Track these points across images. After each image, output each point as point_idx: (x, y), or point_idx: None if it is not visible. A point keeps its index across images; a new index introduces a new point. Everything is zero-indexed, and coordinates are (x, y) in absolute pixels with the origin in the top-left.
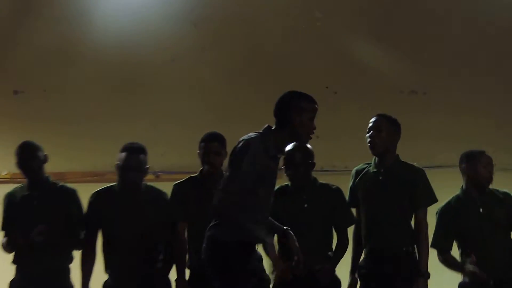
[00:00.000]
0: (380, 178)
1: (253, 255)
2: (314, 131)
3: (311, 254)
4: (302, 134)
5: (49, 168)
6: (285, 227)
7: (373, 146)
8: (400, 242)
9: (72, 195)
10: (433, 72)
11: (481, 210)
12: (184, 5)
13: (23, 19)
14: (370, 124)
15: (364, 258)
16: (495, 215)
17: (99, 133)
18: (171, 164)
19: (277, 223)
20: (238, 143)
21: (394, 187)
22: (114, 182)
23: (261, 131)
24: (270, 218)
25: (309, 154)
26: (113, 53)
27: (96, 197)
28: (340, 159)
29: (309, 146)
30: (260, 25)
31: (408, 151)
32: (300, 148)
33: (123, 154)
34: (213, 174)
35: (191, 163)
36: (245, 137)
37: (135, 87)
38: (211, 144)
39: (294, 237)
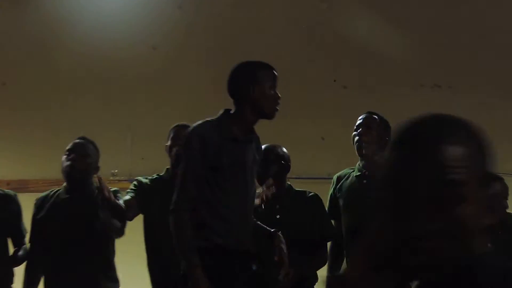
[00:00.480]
0: (365, 181)
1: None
2: (279, 101)
3: None
4: (265, 107)
5: (11, 176)
6: (273, 229)
7: (360, 146)
8: None
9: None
10: (460, 63)
11: None
12: None
13: None
14: (359, 121)
15: None
16: None
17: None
18: (153, 171)
19: (263, 225)
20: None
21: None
22: None
23: (218, 115)
24: (256, 221)
25: (282, 154)
26: (86, 42)
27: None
28: (351, 165)
29: (282, 147)
30: (257, 8)
31: None
32: (271, 148)
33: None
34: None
35: None
36: (193, 125)
37: (111, 84)
38: (183, 132)
39: (283, 240)
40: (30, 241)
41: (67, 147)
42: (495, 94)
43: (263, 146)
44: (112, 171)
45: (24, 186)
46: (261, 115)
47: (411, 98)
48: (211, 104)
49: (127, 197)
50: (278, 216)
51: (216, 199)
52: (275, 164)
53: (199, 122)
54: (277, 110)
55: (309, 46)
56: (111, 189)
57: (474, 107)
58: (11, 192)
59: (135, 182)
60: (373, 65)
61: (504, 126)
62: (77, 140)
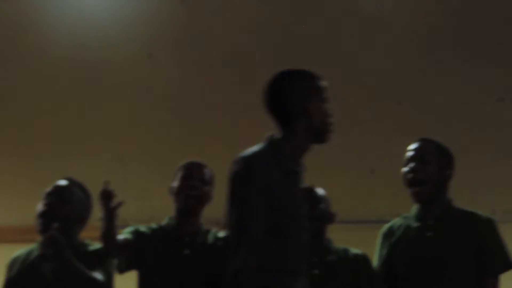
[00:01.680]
0: (428, 234)
1: None
2: (333, 119)
3: None
4: (320, 126)
5: None
6: None
7: (417, 184)
8: None
9: None
10: None
11: None
12: None
13: None
14: (411, 153)
15: None
16: None
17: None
18: (150, 216)
19: None
20: (234, 166)
21: (451, 247)
22: None
23: (263, 143)
24: None
25: (320, 197)
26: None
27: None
28: (407, 204)
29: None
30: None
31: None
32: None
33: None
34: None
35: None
36: (241, 155)
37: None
38: (195, 171)
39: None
40: None
41: (47, 190)
42: None
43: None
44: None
45: None
46: (317, 138)
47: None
48: (218, 131)
49: (121, 237)
50: (316, 271)
51: (281, 251)
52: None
53: (250, 151)
54: (331, 130)
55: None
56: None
57: None
58: None
59: (130, 229)
60: (435, 75)
61: None
62: (60, 182)
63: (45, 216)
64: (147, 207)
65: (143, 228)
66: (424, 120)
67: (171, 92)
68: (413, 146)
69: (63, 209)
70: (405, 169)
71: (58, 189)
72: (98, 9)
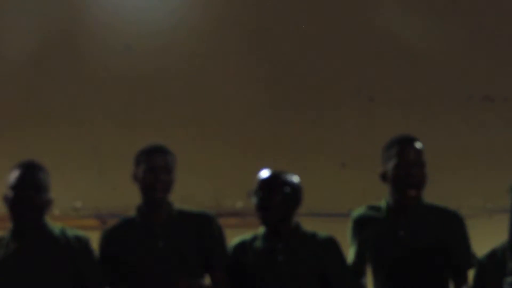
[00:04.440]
0: (401, 233)
1: None
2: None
3: None
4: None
5: None
6: None
7: (418, 188)
8: None
9: None
10: None
11: None
12: None
13: None
14: (410, 157)
15: None
16: None
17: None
18: (124, 205)
19: None
20: None
21: (421, 244)
22: None
23: None
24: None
25: (290, 181)
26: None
27: None
28: (376, 197)
29: (292, 174)
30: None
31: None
32: (277, 173)
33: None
34: (159, 203)
35: None
36: None
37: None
38: (157, 158)
39: None
40: None
41: (14, 176)
42: None
43: (265, 171)
44: (75, 205)
45: None
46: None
47: (454, 113)
48: (192, 125)
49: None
50: (280, 258)
51: None
52: (282, 192)
53: None
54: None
55: (327, 53)
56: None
57: None
58: None
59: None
60: (407, 74)
61: None
62: (26, 167)
63: (24, 206)
64: None
65: (106, 235)
66: (395, 115)
67: None
68: (410, 149)
69: (41, 196)
70: (405, 172)
71: (29, 174)
72: None
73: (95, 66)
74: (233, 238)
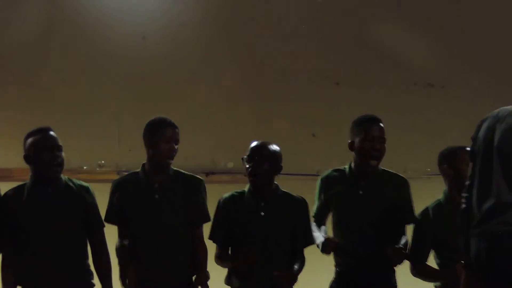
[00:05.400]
0: (361, 193)
1: None
2: None
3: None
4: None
5: None
6: None
7: (379, 159)
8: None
9: None
10: (455, 63)
11: None
12: None
13: None
14: (375, 133)
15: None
16: None
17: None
18: (139, 163)
19: None
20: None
21: (376, 202)
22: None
23: None
24: None
25: (275, 152)
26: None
27: None
28: (340, 162)
29: (275, 145)
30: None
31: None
32: (265, 144)
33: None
34: (165, 166)
35: None
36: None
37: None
38: (172, 130)
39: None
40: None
41: (39, 138)
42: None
43: (255, 142)
44: (99, 163)
45: (8, 175)
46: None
47: (401, 97)
48: (195, 102)
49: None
50: (262, 214)
51: None
52: (269, 162)
53: None
54: None
55: (300, 40)
56: (85, 185)
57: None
58: None
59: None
60: (367, 62)
61: None
62: (48, 130)
63: (58, 166)
64: None
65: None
66: (357, 96)
67: None
68: (375, 126)
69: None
70: (370, 145)
71: (55, 138)
72: None
73: (115, 53)
74: (225, 192)
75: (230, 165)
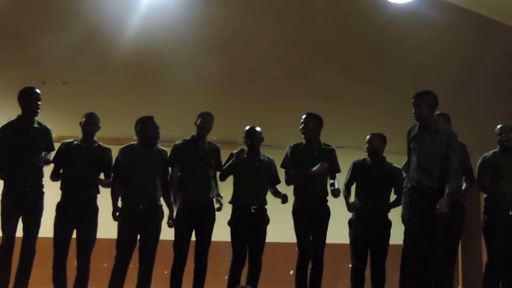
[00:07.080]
0: (314, 154)
1: None
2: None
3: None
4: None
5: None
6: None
7: (304, 133)
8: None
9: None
10: (340, 83)
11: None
12: None
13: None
14: (302, 120)
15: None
16: None
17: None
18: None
19: None
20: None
21: (323, 159)
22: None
23: None
24: None
25: (259, 131)
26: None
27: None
28: (278, 139)
29: (258, 127)
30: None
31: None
32: (254, 127)
33: None
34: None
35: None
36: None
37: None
38: (210, 119)
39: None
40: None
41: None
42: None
43: (248, 127)
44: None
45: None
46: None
47: (315, 106)
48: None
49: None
50: (257, 164)
51: None
52: (256, 138)
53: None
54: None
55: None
56: (164, 149)
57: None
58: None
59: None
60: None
61: None
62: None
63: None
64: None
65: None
66: (286, 104)
67: None
68: (304, 116)
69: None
70: (300, 127)
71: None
72: None
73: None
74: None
75: (237, 137)
